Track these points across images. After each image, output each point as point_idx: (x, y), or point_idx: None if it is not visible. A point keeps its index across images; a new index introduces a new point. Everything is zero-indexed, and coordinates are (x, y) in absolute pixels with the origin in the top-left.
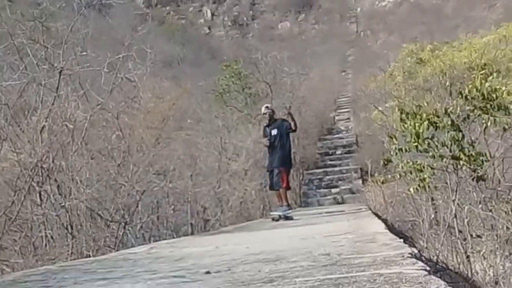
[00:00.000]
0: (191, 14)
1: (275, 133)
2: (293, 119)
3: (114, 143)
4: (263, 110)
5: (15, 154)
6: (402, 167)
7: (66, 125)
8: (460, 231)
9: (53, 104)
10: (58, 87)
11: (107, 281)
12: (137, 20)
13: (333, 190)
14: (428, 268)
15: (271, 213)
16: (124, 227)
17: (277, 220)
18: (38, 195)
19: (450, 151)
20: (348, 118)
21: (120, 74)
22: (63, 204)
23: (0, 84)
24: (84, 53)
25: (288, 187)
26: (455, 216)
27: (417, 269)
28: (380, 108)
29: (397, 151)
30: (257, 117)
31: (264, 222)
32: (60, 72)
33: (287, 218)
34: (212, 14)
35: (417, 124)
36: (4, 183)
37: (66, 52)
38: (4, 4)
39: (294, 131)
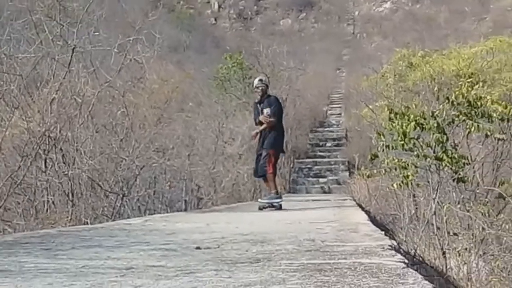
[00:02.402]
0: (200, 4)
1: (268, 112)
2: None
3: (119, 119)
4: (255, 83)
5: (25, 122)
6: (387, 163)
7: (75, 99)
8: (438, 228)
9: (64, 78)
10: (70, 63)
11: (103, 248)
12: (149, 6)
13: (321, 180)
14: (406, 261)
15: (259, 200)
16: (122, 199)
17: (262, 209)
18: (43, 162)
19: (434, 152)
20: (340, 113)
21: (129, 56)
22: (66, 173)
23: (16, 56)
24: (97, 33)
25: (274, 173)
26: (435, 214)
27: (396, 261)
28: (370, 106)
29: (384, 147)
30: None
31: (254, 204)
32: (73, 49)
33: (273, 206)
34: (219, 6)
35: (404, 124)
36: (12, 149)
37: (80, 31)
38: None
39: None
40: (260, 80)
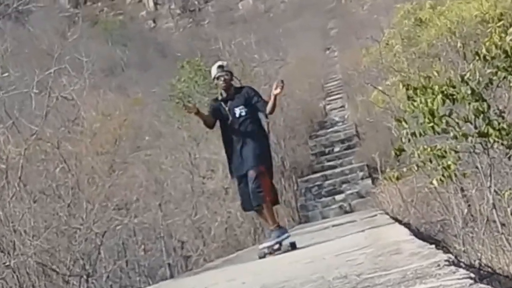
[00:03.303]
0: (130, 7)
1: (242, 113)
2: (274, 102)
3: (59, 178)
4: (214, 72)
5: None
6: (418, 155)
7: None
8: (503, 225)
9: None
10: None
11: None
12: (65, 23)
13: (338, 197)
14: (472, 276)
15: (260, 246)
16: (87, 281)
17: (264, 257)
18: None
19: (475, 127)
20: (342, 106)
21: (54, 93)
22: (7, 264)
23: None
24: (6, 74)
25: (275, 200)
26: (494, 207)
27: (459, 279)
28: (379, 88)
29: (409, 136)
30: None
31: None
32: None
33: (282, 245)
34: (155, 3)
35: (429, 100)
36: None
37: None
38: None
39: (269, 114)
40: (220, 66)
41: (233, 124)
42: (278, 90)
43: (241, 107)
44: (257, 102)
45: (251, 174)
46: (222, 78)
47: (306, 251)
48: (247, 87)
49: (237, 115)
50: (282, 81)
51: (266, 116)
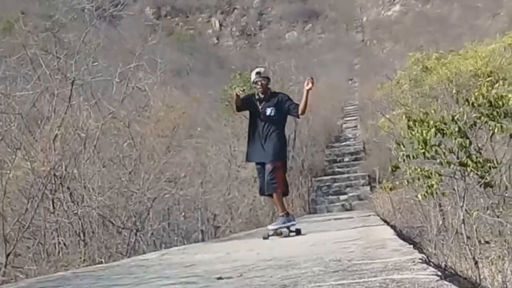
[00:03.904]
0: (200, 24)
1: (271, 113)
2: (306, 99)
3: (126, 151)
4: (253, 77)
5: (28, 163)
6: (410, 173)
7: (79, 134)
8: (468, 237)
9: (65, 113)
10: (71, 97)
11: (121, 287)
12: (147, 31)
13: (342, 197)
14: (439, 274)
15: (268, 226)
16: (136, 234)
17: (268, 238)
18: (51, 202)
19: (458, 157)
20: (356, 126)
21: (131, 84)
22: (75, 211)
23: (14, 94)
24: (96, 63)
25: (285, 191)
26: (463, 222)
27: (429, 274)
28: (387, 116)
29: (404, 157)
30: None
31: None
32: (72, 82)
33: (284, 231)
34: (220, 25)
35: (424, 131)
36: (18, 191)
37: (78, 63)
38: (18, 17)
39: (300, 114)
40: (258, 73)
41: (262, 120)
42: (310, 85)
43: (272, 108)
44: (290, 105)
45: (269, 167)
46: (259, 83)
47: (310, 236)
48: (282, 93)
49: (267, 114)
50: (312, 77)
51: (298, 117)
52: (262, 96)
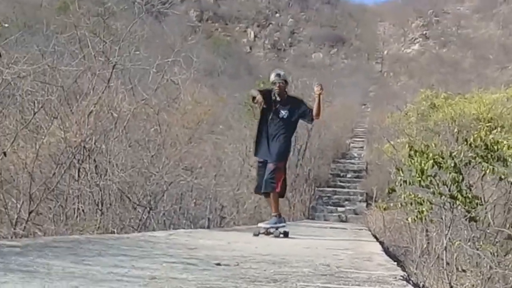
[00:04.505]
0: (237, 33)
1: (285, 115)
2: (319, 103)
3: (152, 136)
4: (272, 77)
5: (62, 132)
6: (404, 197)
7: (112, 113)
8: (447, 263)
9: (103, 93)
10: (110, 79)
11: (127, 257)
12: (188, 31)
13: (339, 209)
14: None
15: (260, 224)
16: (149, 212)
17: (258, 235)
18: (77, 171)
19: (449, 190)
20: (362, 147)
21: (166, 76)
22: (97, 183)
23: (59, 68)
24: (137, 52)
25: (282, 193)
26: (445, 249)
27: None
28: (392, 142)
29: (402, 182)
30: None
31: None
32: (114, 65)
33: (274, 231)
34: (255, 36)
35: (423, 162)
36: (48, 156)
37: (122, 49)
38: None
39: (313, 119)
40: (278, 75)
41: (274, 120)
42: (319, 89)
43: (286, 111)
44: (305, 110)
45: (271, 166)
46: (277, 85)
47: (306, 240)
48: (299, 99)
49: (280, 115)
50: (320, 84)
51: (312, 120)
52: (278, 98)
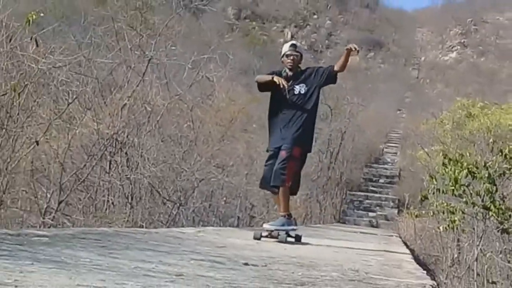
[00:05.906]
0: (274, 33)
1: (301, 90)
2: (347, 56)
3: (184, 131)
4: (286, 48)
5: (95, 124)
6: (436, 206)
7: (145, 107)
8: (478, 274)
9: (137, 86)
10: (145, 72)
11: (155, 252)
12: (225, 28)
13: (370, 214)
14: None
15: (265, 225)
16: (178, 208)
17: (259, 238)
18: (108, 163)
19: (483, 200)
20: (396, 152)
21: (201, 72)
22: (128, 176)
23: (95, 60)
24: (174, 47)
25: (294, 190)
26: (476, 260)
27: None
28: (426, 150)
29: (434, 190)
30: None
31: (305, 229)
32: (149, 60)
33: (288, 236)
34: (292, 36)
35: (457, 171)
36: (81, 147)
37: (158, 44)
38: None
39: (336, 75)
40: (293, 45)
41: (287, 101)
42: (353, 46)
43: (302, 84)
44: (323, 71)
45: (283, 154)
46: (291, 57)
47: (335, 243)
48: (311, 69)
49: (296, 92)
50: (356, 46)
51: (335, 79)
52: (290, 73)
